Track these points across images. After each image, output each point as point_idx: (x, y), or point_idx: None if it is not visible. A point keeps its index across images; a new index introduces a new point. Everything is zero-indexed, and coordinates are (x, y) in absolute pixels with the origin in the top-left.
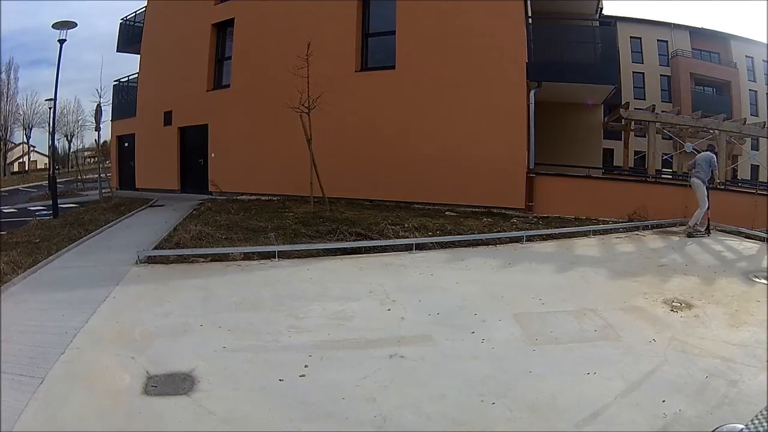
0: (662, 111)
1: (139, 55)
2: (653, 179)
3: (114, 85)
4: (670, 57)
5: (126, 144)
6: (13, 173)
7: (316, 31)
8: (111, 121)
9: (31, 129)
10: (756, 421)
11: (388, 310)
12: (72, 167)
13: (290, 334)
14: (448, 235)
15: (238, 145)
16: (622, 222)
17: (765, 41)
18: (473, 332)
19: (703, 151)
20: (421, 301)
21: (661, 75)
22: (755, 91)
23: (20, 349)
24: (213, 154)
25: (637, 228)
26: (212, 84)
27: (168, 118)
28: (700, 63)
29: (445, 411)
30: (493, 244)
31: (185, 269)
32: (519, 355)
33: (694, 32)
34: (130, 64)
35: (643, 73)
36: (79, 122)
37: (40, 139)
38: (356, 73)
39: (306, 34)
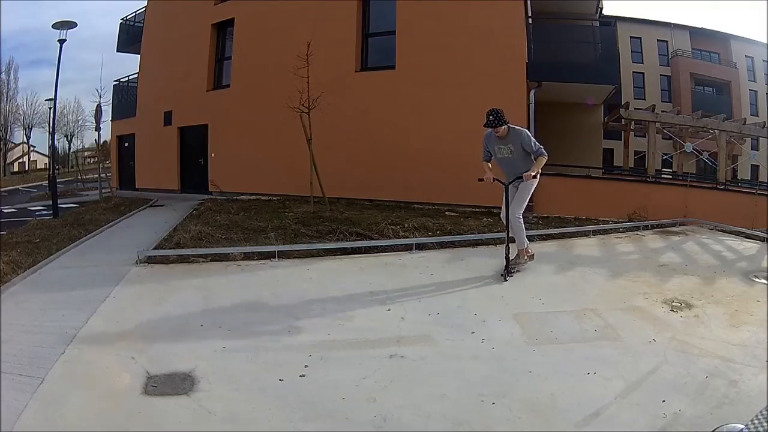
0: (662, 111)
1: (139, 55)
2: (653, 179)
3: (114, 85)
4: (670, 57)
5: (126, 144)
6: (13, 173)
7: (316, 31)
8: (111, 121)
9: (31, 129)
10: (756, 421)
11: (388, 310)
12: (72, 167)
13: (290, 334)
14: (448, 235)
15: (238, 145)
16: (622, 222)
17: (765, 41)
18: (473, 332)
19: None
20: (421, 301)
21: (661, 75)
22: (755, 91)
23: (20, 349)
24: (213, 154)
25: (637, 228)
26: (212, 84)
27: (168, 118)
28: (700, 63)
29: (445, 411)
30: (493, 244)
31: (185, 269)
32: (519, 355)
33: (694, 32)
34: (130, 64)
35: (643, 73)
36: (79, 122)
37: (40, 139)
38: (356, 73)
39: (306, 34)
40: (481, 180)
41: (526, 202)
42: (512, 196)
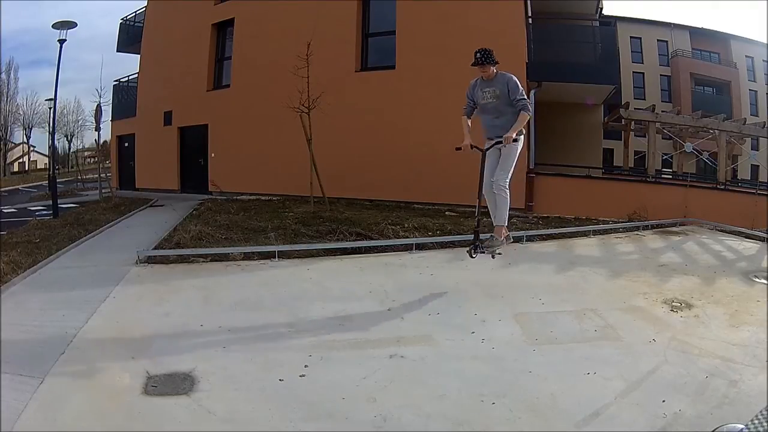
0: (662, 111)
1: (139, 55)
2: (653, 179)
3: (114, 85)
4: (670, 57)
5: (126, 144)
6: (13, 173)
7: (316, 31)
8: (111, 121)
9: (31, 129)
10: (756, 421)
11: (388, 310)
12: (72, 167)
13: (290, 334)
14: (448, 235)
15: (238, 145)
16: (622, 222)
17: (765, 41)
18: (473, 332)
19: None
20: (421, 301)
21: (661, 75)
22: (755, 91)
23: (20, 349)
24: (213, 154)
25: (637, 228)
26: (212, 84)
27: (168, 118)
28: (700, 63)
29: (445, 411)
30: None
31: (185, 269)
32: (519, 355)
33: (694, 32)
34: (130, 64)
35: (643, 73)
36: (79, 122)
37: (40, 139)
38: (356, 73)
39: (306, 34)
40: (458, 149)
41: (513, 168)
42: (494, 165)
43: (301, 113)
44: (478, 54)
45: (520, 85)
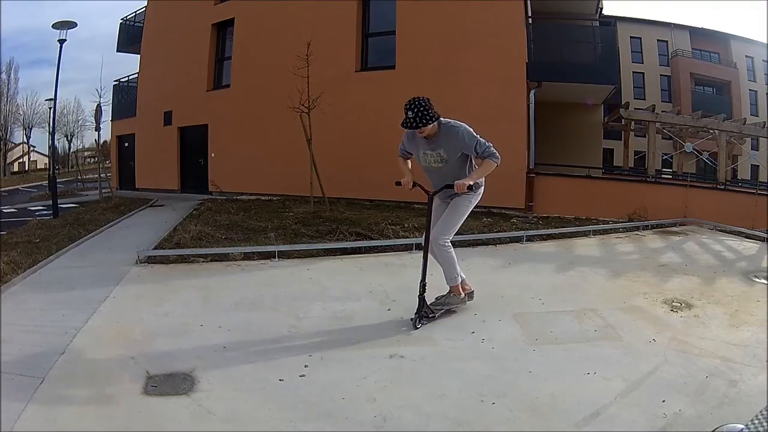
0: (662, 111)
1: (139, 55)
2: (653, 179)
3: (114, 85)
4: (670, 57)
5: (126, 144)
6: (13, 173)
7: (316, 31)
8: (111, 121)
9: (31, 129)
10: (756, 421)
11: (388, 310)
12: (72, 167)
13: (290, 334)
14: None
15: (238, 145)
16: (622, 222)
17: (765, 41)
18: (473, 332)
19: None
20: None
21: (661, 75)
22: (755, 91)
23: (20, 349)
24: (213, 154)
25: (637, 228)
26: (212, 84)
27: (168, 118)
28: (700, 63)
29: (445, 411)
30: (493, 244)
31: (185, 269)
32: (519, 355)
33: (694, 32)
34: (130, 64)
35: (643, 73)
36: (79, 122)
37: (40, 139)
38: (356, 73)
39: (306, 34)
40: (398, 184)
41: (458, 225)
42: (439, 214)
43: (301, 113)
44: (410, 113)
45: (475, 134)
